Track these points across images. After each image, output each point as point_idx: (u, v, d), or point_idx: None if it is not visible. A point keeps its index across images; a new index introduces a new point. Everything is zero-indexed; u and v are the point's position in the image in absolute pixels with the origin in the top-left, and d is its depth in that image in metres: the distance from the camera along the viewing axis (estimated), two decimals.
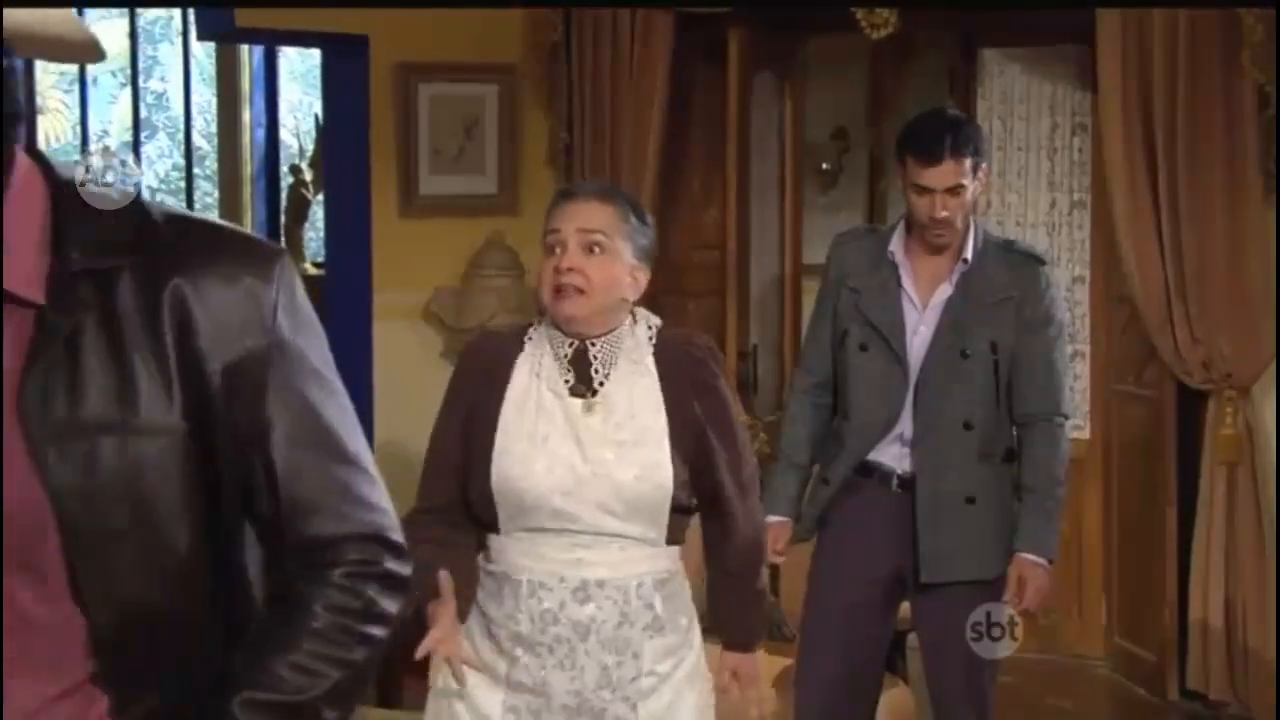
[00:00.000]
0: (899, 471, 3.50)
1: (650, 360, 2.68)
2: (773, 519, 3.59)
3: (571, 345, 2.68)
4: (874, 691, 3.67)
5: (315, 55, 9.14)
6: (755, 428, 4.44)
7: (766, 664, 3.98)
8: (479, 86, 6.06)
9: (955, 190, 3.42)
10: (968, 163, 3.43)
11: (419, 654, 2.61)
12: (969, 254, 3.48)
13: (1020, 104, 5.96)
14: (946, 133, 3.42)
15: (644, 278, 2.71)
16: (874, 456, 3.52)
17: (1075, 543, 5.83)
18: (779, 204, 6.20)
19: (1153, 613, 5.41)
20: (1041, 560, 3.51)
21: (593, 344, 2.68)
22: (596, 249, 2.64)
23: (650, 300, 6.16)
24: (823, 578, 3.59)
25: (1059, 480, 3.56)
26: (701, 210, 6.12)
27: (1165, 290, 5.20)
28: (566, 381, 2.67)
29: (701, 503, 2.75)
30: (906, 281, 3.50)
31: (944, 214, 3.41)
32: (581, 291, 2.63)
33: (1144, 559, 5.49)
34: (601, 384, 2.66)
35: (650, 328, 2.73)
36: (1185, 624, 5.26)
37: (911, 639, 3.82)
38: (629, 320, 2.72)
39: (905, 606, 3.67)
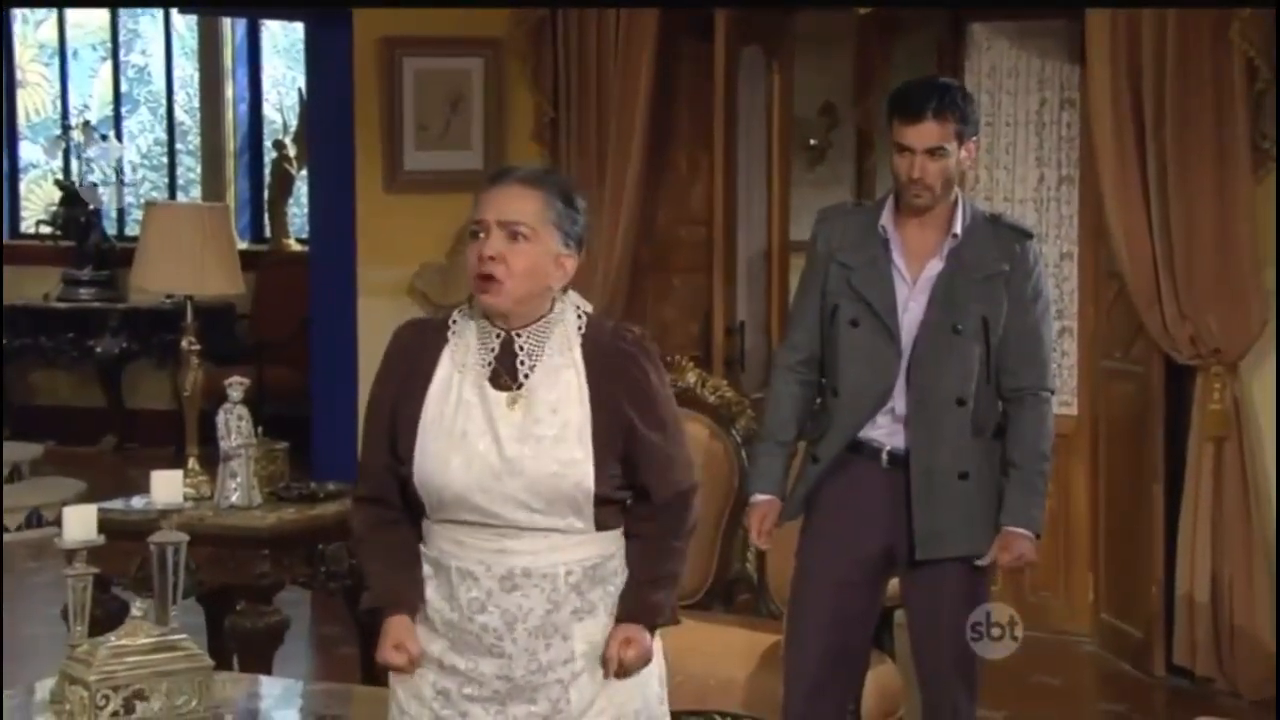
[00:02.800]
0: (889, 447, 3.48)
1: (578, 353, 2.64)
2: (760, 498, 3.58)
3: (498, 337, 2.65)
4: (862, 668, 3.67)
5: (299, 29, 9.10)
6: (742, 405, 4.40)
7: (751, 640, 3.97)
8: (464, 61, 6.02)
9: (935, 153, 3.40)
10: (951, 127, 3.40)
11: (378, 660, 2.66)
12: (958, 228, 3.47)
13: (1009, 79, 5.93)
14: (934, 94, 3.42)
15: (571, 265, 2.65)
16: (864, 433, 3.50)
17: (1062, 519, 5.83)
18: (766, 180, 6.17)
19: (1140, 589, 5.41)
20: (1029, 534, 3.51)
21: (519, 334, 2.64)
22: (520, 237, 2.61)
23: (636, 277, 6.18)
24: (811, 555, 3.57)
25: (1046, 455, 3.55)
26: (688, 186, 6.09)
27: (1153, 266, 5.19)
28: (491, 373, 2.63)
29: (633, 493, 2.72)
30: (897, 256, 3.48)
31: (919, 175, 3.39)
32: (501, 280, 2.60)
33: (1131, 535, 5.49)
34: (526, 376, 2.62)
35: (580, 316, 2.68)
36: (1172, 600, 5.26)
37: (899, 615, 3.80)
38: (557, 308, 2.67)
39: (893, 584, 3.66)
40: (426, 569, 2.67)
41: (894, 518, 3.48)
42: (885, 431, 3.48)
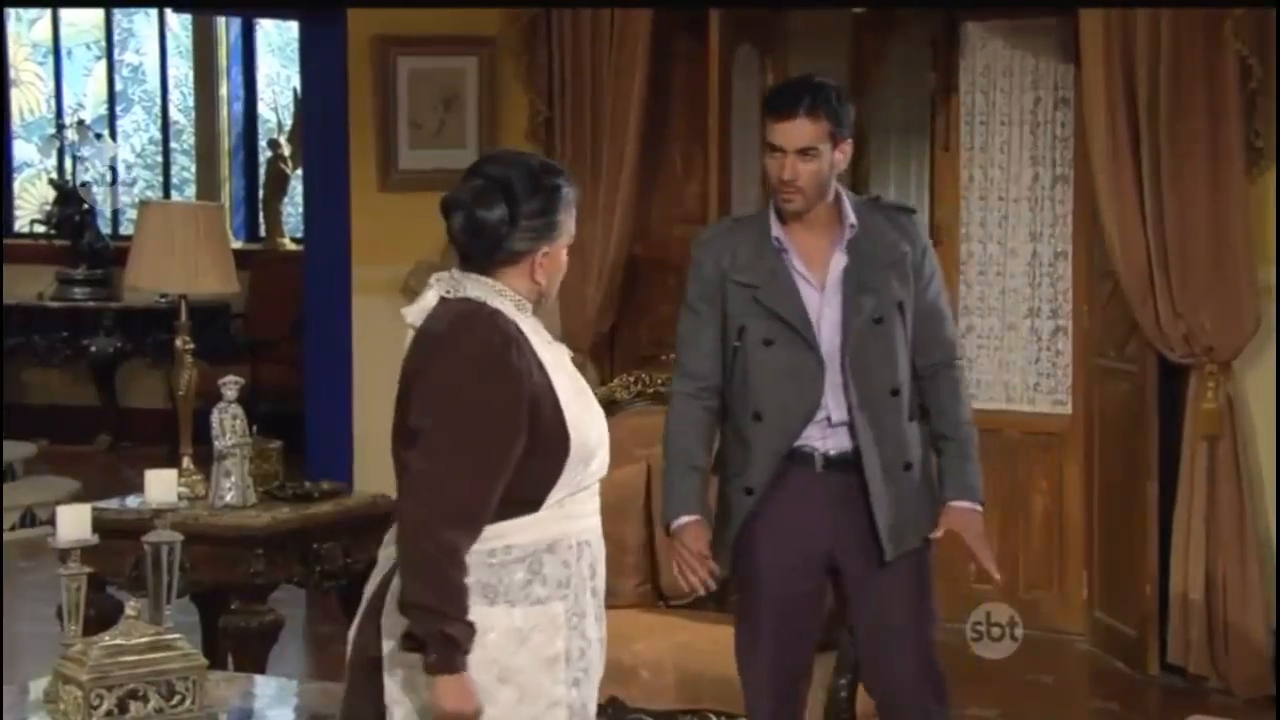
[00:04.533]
0: (822, 450, 3.36)
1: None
2: (685, 519, 3.37)
3: (532, 304, 2.68)
4: (810, 673, 3.58)
5: (293, 28, 9.08)
6: None
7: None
8: (459, 59, 6.02)
9: (807, 153, 3.27)
10: (825, 126, 3.27)
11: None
12: (853, 219, 3.36)
13: (1003, 78, 5.94)
14: (806, 92, 3.29)
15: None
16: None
17: (1056, 517, 5.84)
18: (760, 178, 6.17)
19: (1133, 587, 5.42)
20: (976, 506, 3.43)
21: (536, 306, 2.69)
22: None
23: (631, 274, 6.17)
24: (751, 577, 3.41)
25: (970, 422, 3.46)
26: (683, 184, 6.09)
27: (1147, 264, 5.20)
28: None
29: None
30: (797, 263, 3.35)
31: (790, 176, 3.27)
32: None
33: (1125, 533, 5.50)
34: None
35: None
36: (1165, 598, 5.27)
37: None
38: None
39: None
40: (556, 560, 2.62)
41: (835, 523, 3.37)
42: (817, 437, 3.36)
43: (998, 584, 3.63)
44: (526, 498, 2.58)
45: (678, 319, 3.48)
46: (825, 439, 3.35)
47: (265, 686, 3.65)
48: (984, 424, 5.74)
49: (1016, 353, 5.93)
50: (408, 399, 2.61)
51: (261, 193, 9.98)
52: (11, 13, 10.03)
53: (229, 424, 4.24)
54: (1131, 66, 5.16)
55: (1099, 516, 5.70)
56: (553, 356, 2.65)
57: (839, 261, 3.34)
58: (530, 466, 2.57)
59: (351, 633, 2.72)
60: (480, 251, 2.62)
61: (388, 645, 2.59)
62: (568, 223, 2.65)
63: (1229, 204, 5.13)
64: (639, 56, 5.68)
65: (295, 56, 9.39)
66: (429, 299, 2.65)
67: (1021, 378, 5.93)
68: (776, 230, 3.35)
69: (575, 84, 5.80)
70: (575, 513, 2.64)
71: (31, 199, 10.42)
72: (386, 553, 2.68)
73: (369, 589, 2.70)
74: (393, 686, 2.59)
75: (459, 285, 2.63)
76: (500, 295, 2.62)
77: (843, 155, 3.34)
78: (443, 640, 2.48)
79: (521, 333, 2.60)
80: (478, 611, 2.54)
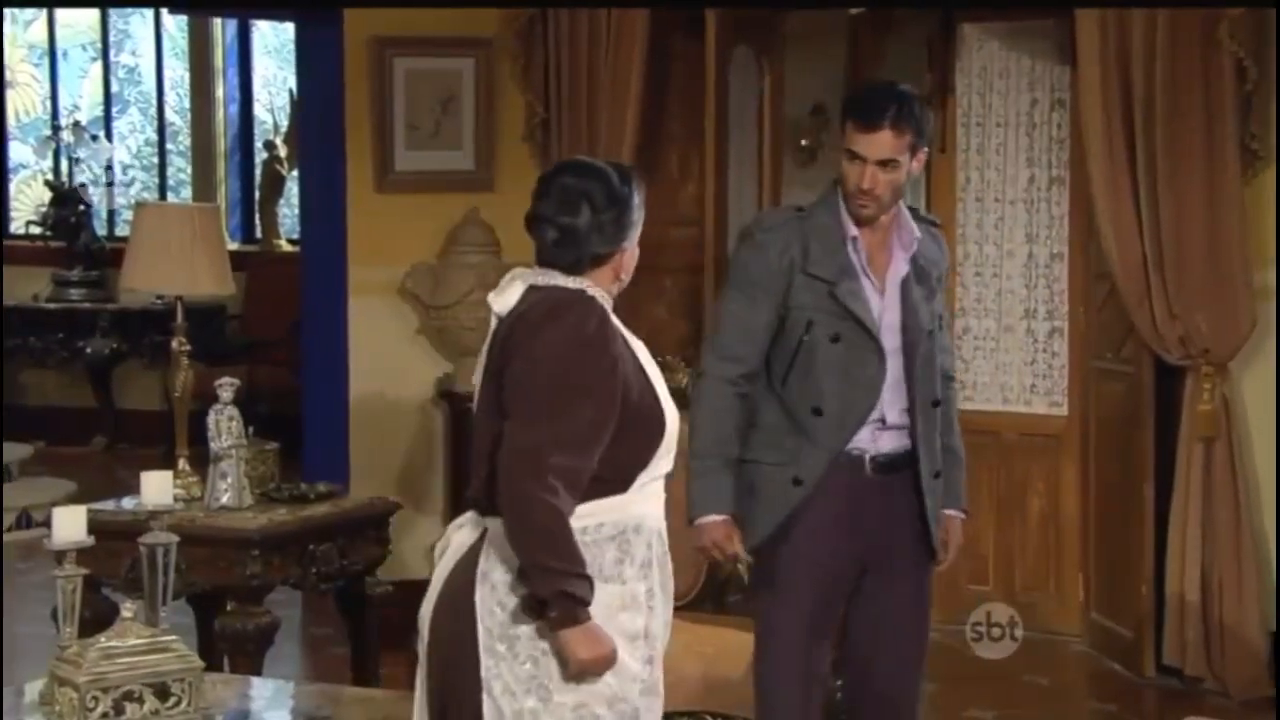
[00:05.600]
0: (871, 454, 3.39)
1: None
2: (713, 518, 3.38)
3: (612, 298, 2.82)
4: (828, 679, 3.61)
5: (289, 29, 9.08)
6: None
7: (742, 641, 3.97)
8: (455, 60, 6.02)
9: (887, 164, 3.29)
10: (907, 139, 3.30)
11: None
12: (917, 231, 3.41)
13: (999, 79, 5.94)
14: (892, 103, 3.30)
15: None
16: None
17: (1052, 519, 5.84)
18: (757, 180, 6.17)
19: (1130, 589, 5.42)
20: (963, 514, 3.56)
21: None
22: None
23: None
24: (793, 573, 3.41)
25: (959, 433, 3.59)
26: (679, 186, 6.09)
27: (1143, 266, 5.20)
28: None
29: None
30: (865, 264, 3.38)
31: (869, 185, 3.30)
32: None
33: (1121, 535, 5.50)
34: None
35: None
36: (1162, 600, 5.27)
37: None
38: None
39: None
40: (641, 541, 2.75)
41: (879, 522, 3.40)
42: (868, 439, 3.39)
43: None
44: (619, 477, 2.71)
45: (723, 298, 3.49)
46: (876, 440, 3.38)
47: (262, 688, 3.65)
48: (981, 425, 5.82)
49: (1013, 354, 5.93)
50: (500, 377, 2.72)
51: (258, 194, 9.98)
52: (7, 13, 10.02)
53: (225, 425, 4.24)
54: (1127, 68, 5.16)
55: (1095, 518, 5.71)
56: (638, 346, 2.79)
57: (900, 268, 3.39)
58: (624, 447, 2.70)
59: (426, 616, 2.77)
60: (571, 258, 2.75)
61: (485, 623, 2.68)
62: (641, 221, 2.83)
63: (1225, 205, 5.14)
64: (636, 58, 5.68)
65: (291, 58, 9.39)
66: (515, 290, 2.77)
67: (1018, 379, 5.93)
68: (853, 230, 3.37)
69: (572, 85, 5.80)
70: (655, 496, 2.77)
71: (27, 200, 10.40)
72: (460, 536, 2.77)
73: (439, 572, 2.78)
74: (490, 662, 2.68)
75: (549, 278, 2.76)
76: (590, 290, 2.76)
77: (919, 164, 3.39)
78: (565, 596, 2.60)
79: (615, 323, 2.75)
80: None
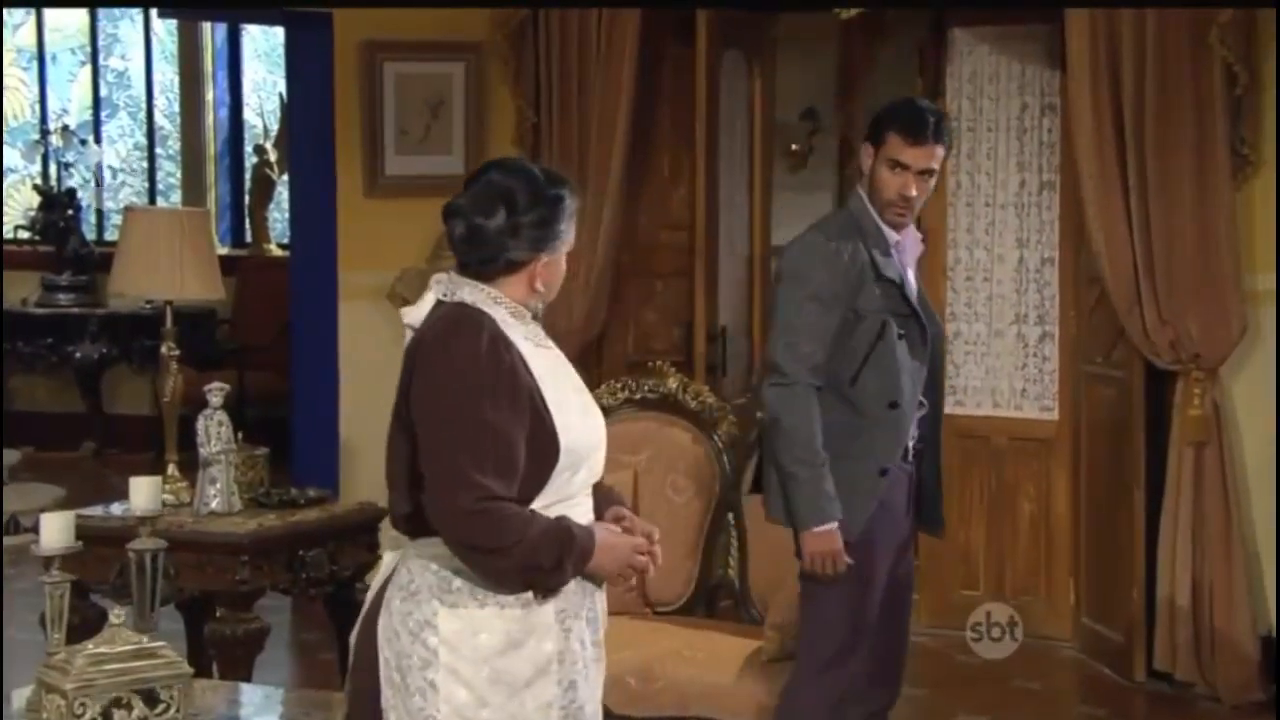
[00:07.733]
0: (913, 439, 3.69)
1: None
2: (829, 526, 3.54)
3: (530, 311, 2.67)
4: None
5: (279, 33, 9.07)
6: (724, 410, 4.38)
7: (733, 646, 3.96)
8: (445, 65, 6.01)
9: (927, 174, 3.56)
10: (941, 150, 3.58)
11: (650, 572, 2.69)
12: (921, 237, 3.72)
13: (989, 84, 5.94)
14: (932, 117, 3.58)
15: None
16: None
17: (1043, 523, 5.84)
18: (748, 184, 6.17)
19: (1120, 593, 5.42)
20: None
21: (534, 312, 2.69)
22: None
23: (618, 281, 6.17)
24: (875, 562, 3.61)
25: None
26: (670, 190, 6.09)
27: (1134, 271, 5.21)
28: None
29: None
30: (903, 268, 3.66)
31: (913, 194, 3.56)
32: None
33: (1112, 539, 5.50)
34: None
35: None
36: (1153, 604, 5.27)
37: None
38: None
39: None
40: None
41: (911, 505, 3.71)
42: (911, 429, 3.69)
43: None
44: (520, 499, 2.56)
45: (791, 307, 3.58)
46: (917, 428, 3.70)
47: (251, 694, 3.64)
48: (971, 430, 5.84)
49: (1003, 359, 5.94)
50: (409, 395, 2.61)
51: (247, 198, 9.96)
52: None
53: (214, 430, 4.22)
54: (1117, 73, 5.17)
55: (1086, 523, 5.71)
56: (546, 363, 2.63)
57: (912, 270, 3.68)
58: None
59: (353, 638, 2.71)
60: (479, 259, 2.60)
61: (384, 652, 2.59)
62: (568, 232, 2.64)
63: (1215, 210, 5.14)
64: (626, 62, 5.68)
65: (281, 62, 9.37)
66: (427, 302, 2.64)
67: (1008, 384, 5.94)
68: (895, 236, 3.63)
69: (562, 89, 5.80)
70: (568, 515, 2.62)
71: (15, 205, 10.38)
72: (388, 558, 2.69)
73: (370, 594, 2.69)
74: (389, 693, 2.59)
75: (455, 289, 2.62)
76: (495, 303, 2.60)
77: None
78: (559, 572, 2.55)
79: (509, 339, 2.58)
80: (469, 614, 2.55)
